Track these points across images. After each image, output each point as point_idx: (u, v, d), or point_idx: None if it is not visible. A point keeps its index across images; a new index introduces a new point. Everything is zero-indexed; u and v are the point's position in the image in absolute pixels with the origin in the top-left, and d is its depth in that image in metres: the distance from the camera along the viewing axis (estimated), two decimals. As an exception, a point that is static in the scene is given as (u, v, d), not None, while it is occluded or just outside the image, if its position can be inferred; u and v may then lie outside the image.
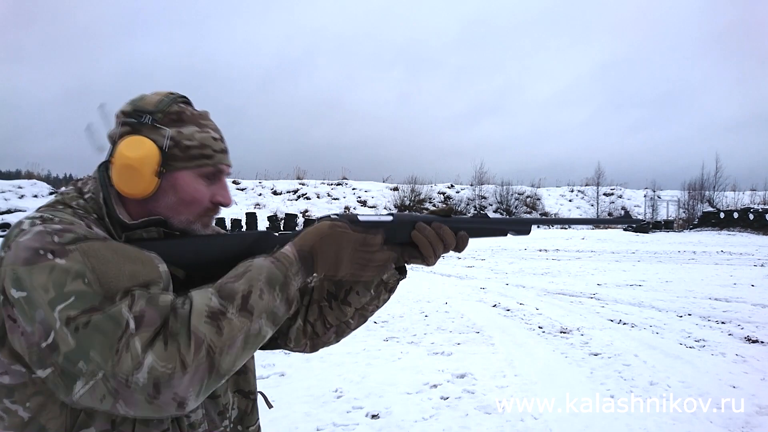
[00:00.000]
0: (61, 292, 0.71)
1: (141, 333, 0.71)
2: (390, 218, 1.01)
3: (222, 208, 0.99)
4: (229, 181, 1.04)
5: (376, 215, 1.00)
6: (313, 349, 1.14)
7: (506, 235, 1.11)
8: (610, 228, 25.46)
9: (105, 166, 0.93)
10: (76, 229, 0.79)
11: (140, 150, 0.88)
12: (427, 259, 1.03)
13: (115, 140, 0.92)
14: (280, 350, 1.17)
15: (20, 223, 0.80)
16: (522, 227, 1.12)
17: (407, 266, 1.11)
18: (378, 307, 1.14)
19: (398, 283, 1.13)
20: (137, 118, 0.90)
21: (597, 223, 1.27)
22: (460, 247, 1.05)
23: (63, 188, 0.94)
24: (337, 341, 1.15)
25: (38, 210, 0.86)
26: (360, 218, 0.99)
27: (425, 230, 1.02)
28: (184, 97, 0.98)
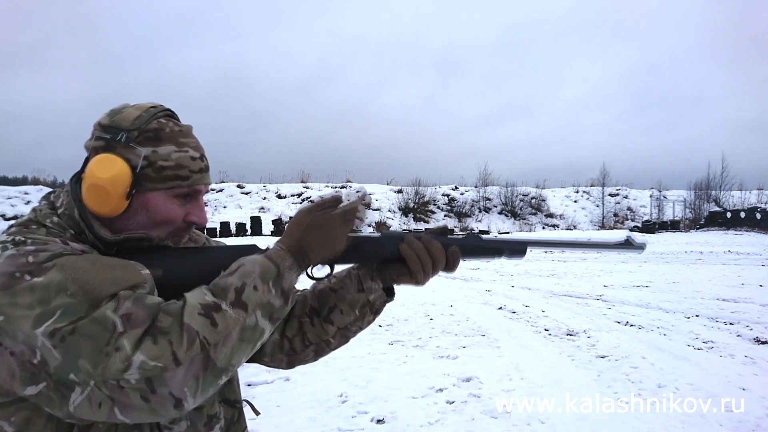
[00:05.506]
0: (47, 308, 0.70)
1: (130, 332, 0.70)
2: (378, 234, 1.01)
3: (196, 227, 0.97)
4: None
5: (366, 234, 0.99)
6: (290, 365, 1.10)
7: (501, 256, 1.05)
8: (616, 228, 25.36)
9: (77, 179, 0.89)
10: (51, 248, 0.77)
11: (111, 170, 0.84)
12: (416, 274, 0.99)
13: (88, 153, 0.90)
14: (256, 363, 1.11)
15: None
16: (517, 247, 1.05)
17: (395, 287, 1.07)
18: (361, 329, 1.09)
19: (384, 305, 1.08)
20: (112, 135, 0.87)
21: (595, 247, 1.15)
22: (451, 265, 1.01)
23: (36, 205, 0.90)
24: (316, 360, 1.11)
25: (9, 231, 0.83)
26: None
27: (413, 243, 0.98)
28: (168, 110, 0.94)
